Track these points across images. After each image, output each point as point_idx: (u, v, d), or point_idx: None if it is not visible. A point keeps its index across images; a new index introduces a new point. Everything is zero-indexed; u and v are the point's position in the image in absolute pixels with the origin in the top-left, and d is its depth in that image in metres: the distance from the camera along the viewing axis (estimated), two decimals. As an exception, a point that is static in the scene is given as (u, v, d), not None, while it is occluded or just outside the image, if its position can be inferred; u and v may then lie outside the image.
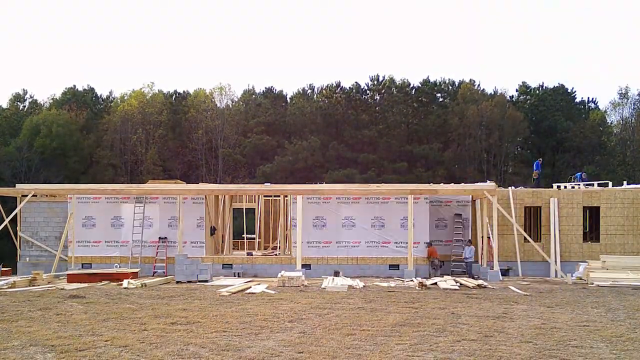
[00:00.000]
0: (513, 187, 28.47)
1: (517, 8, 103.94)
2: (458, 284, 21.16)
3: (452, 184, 28.85)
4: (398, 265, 25.32)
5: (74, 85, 70.13)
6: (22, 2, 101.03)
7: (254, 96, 68.37)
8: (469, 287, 20.70)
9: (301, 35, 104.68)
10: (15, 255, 28.34)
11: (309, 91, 67.82)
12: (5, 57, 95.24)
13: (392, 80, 66.31)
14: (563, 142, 59.12)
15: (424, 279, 22.11)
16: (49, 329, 12.16)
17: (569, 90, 66.52)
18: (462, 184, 30.72)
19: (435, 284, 21.51)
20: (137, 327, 12.32)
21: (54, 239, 27.44)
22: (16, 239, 28.14)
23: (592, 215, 28.86)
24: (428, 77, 66.60)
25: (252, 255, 27.90)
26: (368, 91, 66.80)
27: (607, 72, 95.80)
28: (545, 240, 26.55)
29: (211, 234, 27.30)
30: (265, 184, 32.85)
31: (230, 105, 67.71)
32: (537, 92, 66.39)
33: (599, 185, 29.87)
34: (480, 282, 21.58)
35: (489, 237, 24.78)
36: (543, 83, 66.99)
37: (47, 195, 28.07)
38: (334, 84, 66.17)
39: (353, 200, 26.52)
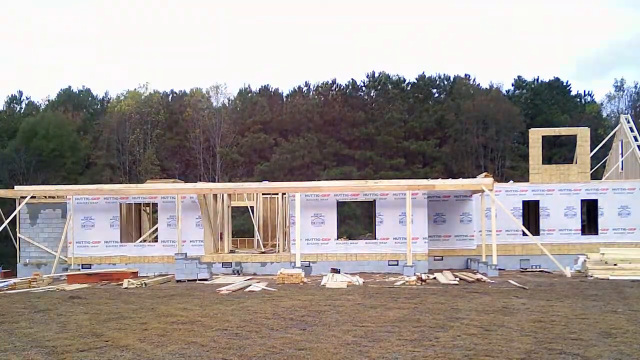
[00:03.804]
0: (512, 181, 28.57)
1: (509, 2, 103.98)
2: (457, 279, 21.24)
3: (450, 179, 28.90)
4: (397, 261, 25.39)
5: (69, 86, 70.19)
6: (15, 2, 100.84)
7: (249, 94, 68.38)
8: (468, 281, 20.77)
9: (296, 33, 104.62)
10: (15, 256, 28.35)
11: (305, 89, 67.86)
12: (0, 58, 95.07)
13: (387, 76, 66.32)
14: (559, 136, 59.34)
15: (423, 274, 22.18)
16: (50, 330, 12.19)
17: (564, 84, 66.67)
18: (460, 178, 30.76)
19: (435, 278, 21.60)
20: (138, 327, 12.35)
21: (53, 240, 27.44)
22: (16, 240, 28.15)
23: (590, 208, 29.00)
24: (423, 73, 66.72)
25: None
26: (364, 88, 66.82)
27: (602, 65, 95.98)
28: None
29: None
30: (263, 182, 32.87)
31: (227, 104, 67.69)
32: (533, 85, 66.52)
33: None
34: (479, 276, 21.67)
35: None
36: (538, 77, 67.21)
37: (45, 197, 28.07)
38: (330, 82, 66.21)
39: (352, 197, 26.62)
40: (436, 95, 66.72)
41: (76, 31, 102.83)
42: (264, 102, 65.39)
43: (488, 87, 66.34)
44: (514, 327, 11.89)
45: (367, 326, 12.11)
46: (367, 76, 66.88)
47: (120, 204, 27.13)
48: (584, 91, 68.51)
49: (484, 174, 27.51)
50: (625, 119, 32.97)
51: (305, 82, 68.42)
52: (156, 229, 27.97)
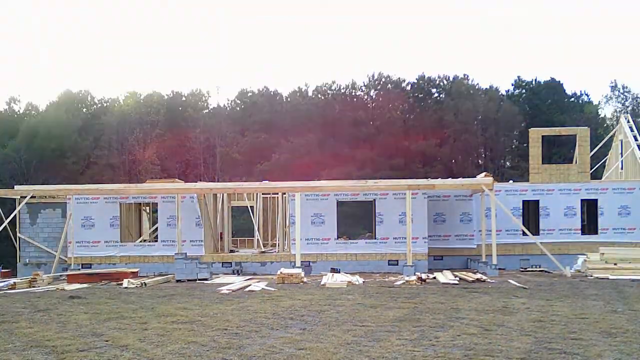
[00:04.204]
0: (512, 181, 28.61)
1: (507, 3, 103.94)
2: (457, 279, 21.24)
3: (450, 179, 28.90)
4: (397, 261, 25.40)
5: (69, 87, 70.38)
6: (15, 4, 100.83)
7: (249, 94, 68.40)
8: (468, 281, 20.77)
9: (296, 33, 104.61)
10: (15, 256, 28.36)
11: (305, 89, 67.90)
12: (1, 58, 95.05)
13: (387, 77, 66.36)
14: (559, 136, 59.38)
15: (423, 274, 22.17)
16: (49, 330, 12.19)
17: (563, 84, 66.82)
18: (460, 178, 30.77)
19: (434, 278, 21.61)
20: (138, 327, 12.35)
21: (53, 239, 27.45)
22: (16, 240, 28.15)
23: (589, 208, 29.00)
24: (423, 73, 66.74)
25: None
26: (364, 88, 66.86)
27: (597, 67, 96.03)
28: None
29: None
30: (263, 181, 32.85)
31: (227, 104, 67.75)
32: (532, 86, 66.59)
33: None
34: (479, 276, 21.67)
35: None
36: (536, 77, 67.32)
37: (46, 197, 28.08)
38: (330, 82, 66.29)
39: (351, 197, 26.62)
40: (436, 95, 66.75)
41: (76, 31, 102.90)
42: (264, 102, 65.40)
43: (488, 87, 66.42)
44: (513, 327, 11.89)
45: (367, 326, 12.11)
46: (367, 76, 66.94)
47: (120, 204, 27.14)
48: (581, 91, 68.69)
49: (484, 173, 27.51)
50: (625, 118, 32.97)
51: (305, 82, 68.59)
52: (156, 229, 27.98)
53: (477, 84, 67.12)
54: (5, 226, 26.02)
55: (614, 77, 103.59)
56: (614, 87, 67.81)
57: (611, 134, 35.28)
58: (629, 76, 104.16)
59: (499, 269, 23.94)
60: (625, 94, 66.46)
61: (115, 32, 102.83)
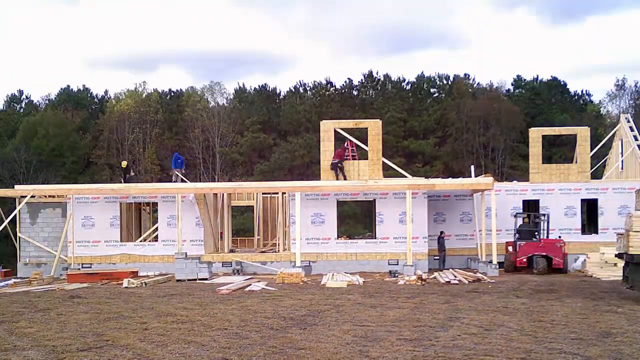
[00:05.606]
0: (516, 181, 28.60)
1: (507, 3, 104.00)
2: (457, 278, 21.23)
3: (450, 179, 28.89)
4: (397, 261, 25.37)
5: (69, 86, 70.26)
6: (16, 2, 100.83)
7: (247, 94, 68.37)
8: (468, 281, 20.76)
9: (296, 33, 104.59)
10: (15, 256, 28.35)
11: (302, 89, 67.75)
12: (0, 58, 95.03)
13: (387, 76, 66.30)
14: (559, 135, 59.37)
15: (423, 274, 22.17)
16: (50, 330, 12.19)
17: (564, 83, 66.70)
18: (460, 178, 30.76)
19: (434, 278, 21.61)
20: (138, 326, 12.36)
21: (53, 239, 27.42)
22: (16, 240, 28.14)
23: (590, 208, 29.01)
24: (422, 73, 66.66)
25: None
26: (363, 87, 66.76)
27: (601, 66, 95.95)
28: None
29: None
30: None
31: (226, 104, 67.71)
32: (533, 85, 66.53)
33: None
34: (479, 275, 21.66)
35: None
36: (537, 76, 67.24)
37: (46, 196, 28.07)
38: (328, 81, 66.22)
39: (352, 197, 26.60)
40: (436, 94, 66.68)
41: (76, 31, 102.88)
42: (261, 101, 65.41)
43: (488, 87, 66.35)
44: (513, 327, 11.90)
45: (367, 326, 12.11)
46: (366, 76, 66.82)
47: (120, 204, 27.13)
48: (582, 91, 68.57)
49: (484, 175, 27.50)
50: (625, 118, 32.97)
51: (304, 81, 68.45)
52: (156, 229, 27.97)
53: (478, 83, 67.20)
54: (6, 226, 26.02)
55: (618, 76, 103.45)
56: (619, 86, 67.46)
57: (611, 133, 35.27)
58: (630, 75, 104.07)
59: (499, 268, 23.92)
60: (637, 92, 66.04)
61: (115, 32, 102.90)
